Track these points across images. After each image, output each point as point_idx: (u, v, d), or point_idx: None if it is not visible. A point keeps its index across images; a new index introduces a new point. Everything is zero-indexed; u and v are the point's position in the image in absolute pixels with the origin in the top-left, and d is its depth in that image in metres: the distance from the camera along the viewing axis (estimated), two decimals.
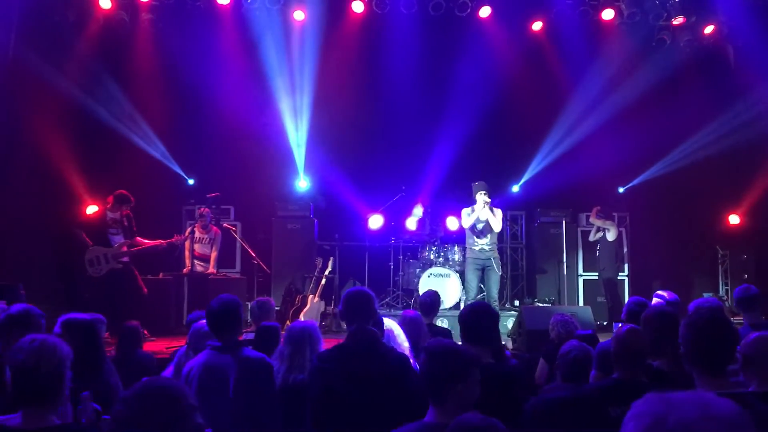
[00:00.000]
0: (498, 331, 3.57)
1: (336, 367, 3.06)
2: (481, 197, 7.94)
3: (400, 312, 5.49)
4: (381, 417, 2.90)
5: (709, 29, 10.02)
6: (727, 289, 10.56)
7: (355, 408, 2.97)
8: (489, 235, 8.03)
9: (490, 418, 1.88)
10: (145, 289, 7.89)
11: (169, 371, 4.03)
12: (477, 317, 3.29)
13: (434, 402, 2.45)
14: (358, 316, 3.23)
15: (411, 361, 3.51)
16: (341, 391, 2.99)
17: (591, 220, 9.82)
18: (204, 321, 3.86)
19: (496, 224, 7.98)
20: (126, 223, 7.85)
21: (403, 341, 3.81)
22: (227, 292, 3.62)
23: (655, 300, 4.92)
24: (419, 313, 5.03)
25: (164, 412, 1.69)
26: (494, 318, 3.43)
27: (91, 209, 8.47)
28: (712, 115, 10.07)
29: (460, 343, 3.17)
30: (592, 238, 9.83)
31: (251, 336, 4.47)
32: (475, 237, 8.06)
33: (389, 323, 3.83)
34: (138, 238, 7.95)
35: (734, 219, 10.56)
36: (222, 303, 3.39)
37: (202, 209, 8.76)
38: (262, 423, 3.23)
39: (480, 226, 8.02)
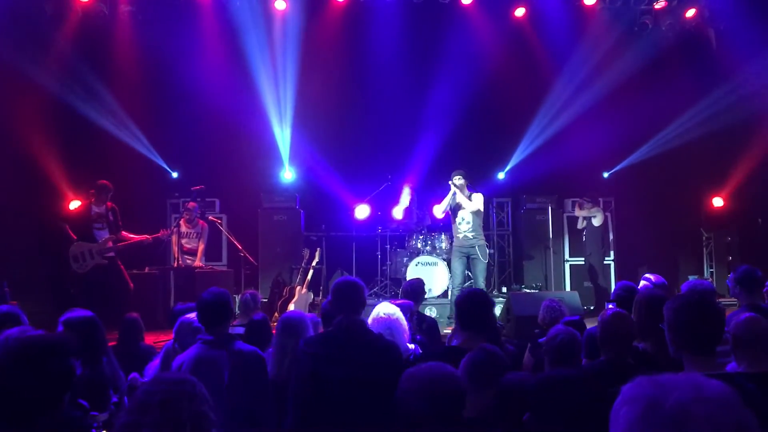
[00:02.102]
0: (493, 318, 3.72)
1: (321, 352, 3.05)
2: (451, 183, 7.79)
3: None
4: (366, 403, 2.92)
5: (690, 13, 10.08)
6: (711, 272, 10.67)
7: (339, 393, 2.97)
8: (471, 222, 7.81)
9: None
10: (132, 284, 7.83)
11: (154, 364, 3.98)
12: (472, 304, 3.46)
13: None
14: (349, 306, 3.21)
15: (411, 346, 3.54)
16: (326, 376, 2.98)
17: (576, 213, 9.88)
18: (191, 315, 3.83)
19: (469, 206, 7.76)
20: (111, 218, 7.76)
21: (404, 329, 3.83)
22: (214, 285, 3.58)
23: (642, 283, 4.95)
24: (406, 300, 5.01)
25: (182, 408, 1.66)
26: (489, 305, 3.60)
27: (74, 204, 8.37)
28: (695, 98, 10.11)
29: (450, 328, 3.21)
30: (580, 226, 9.86)
31: (239, 330, 4.42)
32: (456, 224, 7.94)
33: (392, 310, 3.81)
34: (123, 233, 7.87)
35: (718, 201, 10.64)
36: (213, 296, 3.36)
37: (189, 203, 8.67)
38: (257, 416, 3.22)
39: (456, 209, 7.84)
